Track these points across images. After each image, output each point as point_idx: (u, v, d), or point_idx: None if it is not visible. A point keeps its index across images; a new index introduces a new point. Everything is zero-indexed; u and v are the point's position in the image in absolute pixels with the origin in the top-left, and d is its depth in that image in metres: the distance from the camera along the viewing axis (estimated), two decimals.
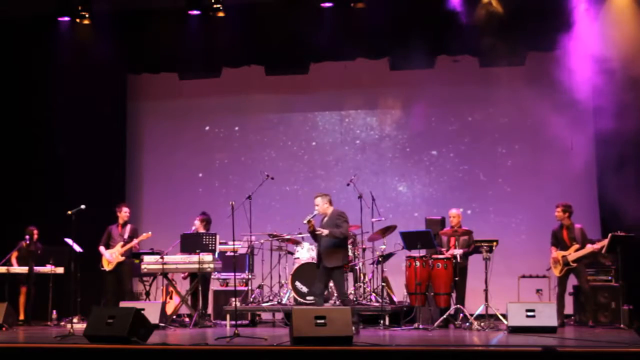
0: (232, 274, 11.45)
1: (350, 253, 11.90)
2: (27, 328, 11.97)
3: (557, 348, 7.68)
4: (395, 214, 13.24)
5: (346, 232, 10.37)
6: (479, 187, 13.81)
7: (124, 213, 12.19)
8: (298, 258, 11.90)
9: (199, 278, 11.73)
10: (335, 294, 11.03)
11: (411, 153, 14.12)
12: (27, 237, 12.65)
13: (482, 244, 11.36)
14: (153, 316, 10.48)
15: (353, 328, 9.29)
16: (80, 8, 13.23)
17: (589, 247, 11.33)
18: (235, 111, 14.62)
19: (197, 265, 11.58)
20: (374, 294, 11.84)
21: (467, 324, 11.03)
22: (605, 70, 11.94)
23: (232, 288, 11.90)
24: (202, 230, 12.01)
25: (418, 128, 14.04)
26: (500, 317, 11.01)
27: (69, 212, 10.54)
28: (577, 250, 11.33)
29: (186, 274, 12.16)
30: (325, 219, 10.44)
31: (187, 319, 12.02)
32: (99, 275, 12.15)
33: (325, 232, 10.27)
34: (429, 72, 13.34)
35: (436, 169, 14.00)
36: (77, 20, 13.36)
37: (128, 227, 12.18)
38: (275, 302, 11.92)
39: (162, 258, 11.73)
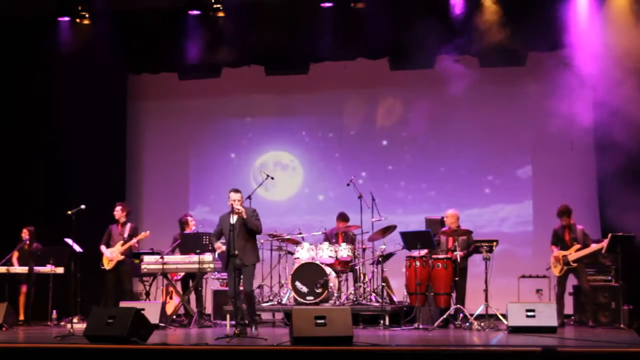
0: None
1: (349, 253, 11.94)
2: (27, 328, 11.97)
3: (557, 348, 7.68)
4: (395, 213, 13.22)
5: (261, 228, 10.34)
6: (479, 186, 13.80)
7: (116, 212, 12.18)
8: (298, 258, 11.90)
9: (198, 278, 11.76)
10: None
11: (411, 153, 14.11)
12: (26, 237, 12.65)
13: (482, 244, 11.35)
14: (153, 316, 10.48)
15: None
16: (80, 8, 13.23)
17: (594, 246, 11.32)
18: (235, 111, 14.61)
19: (197, 265, 11.60)
20: (374, 294, 11.84)
21: (467, 324, 11.02)
22: (605, 70, 11.93)
23: None
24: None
25: (418, 128, 14.01)
26: (500, 317, 11.00)
27: (69, 212, 10.56)
28: (579, 250, 11.33)
29: (179, 276, 12.18)
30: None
31: (184, 319, 12.03)
32: (99, 275, 12.15)
33: (244, 214, 10.06)
34: (429, 72, 13.32)
35: (436, 169, 13.98)
36: (77, 20, 13.36)
37: (128, 225, 12.18)
38: (275, 302, 11.92)
39: (162, 258, 11.74)
